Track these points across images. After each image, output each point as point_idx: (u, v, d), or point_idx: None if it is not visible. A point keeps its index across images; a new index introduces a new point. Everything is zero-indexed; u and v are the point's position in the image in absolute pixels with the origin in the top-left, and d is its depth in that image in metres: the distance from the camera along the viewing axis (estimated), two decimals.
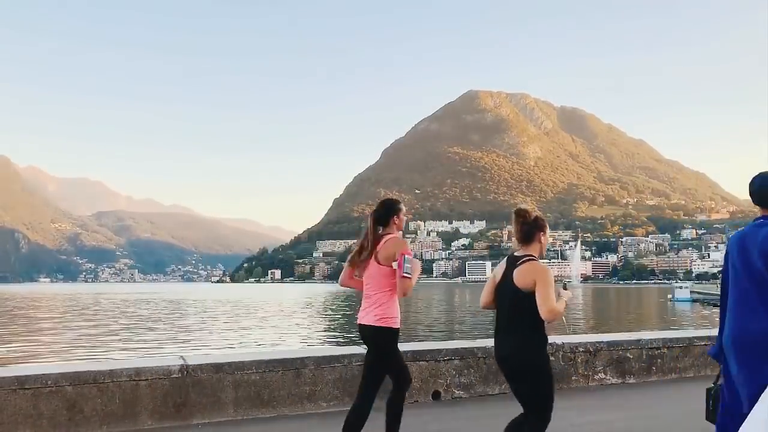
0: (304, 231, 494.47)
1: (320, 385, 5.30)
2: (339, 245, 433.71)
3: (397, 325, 3.87)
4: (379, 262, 3.81)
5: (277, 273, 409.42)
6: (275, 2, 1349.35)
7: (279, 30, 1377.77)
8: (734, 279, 3.05)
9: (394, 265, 3.74)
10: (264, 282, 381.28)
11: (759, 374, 2.81)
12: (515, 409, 5.46)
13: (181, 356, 5.27)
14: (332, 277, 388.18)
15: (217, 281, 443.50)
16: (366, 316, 3.87)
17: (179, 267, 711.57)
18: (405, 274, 3.68)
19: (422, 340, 20.17)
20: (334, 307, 60.35)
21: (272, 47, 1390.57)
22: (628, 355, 6.48)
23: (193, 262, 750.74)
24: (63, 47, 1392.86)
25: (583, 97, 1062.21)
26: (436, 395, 5.67)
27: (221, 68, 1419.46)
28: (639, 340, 6.61)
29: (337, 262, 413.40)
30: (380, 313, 3.80)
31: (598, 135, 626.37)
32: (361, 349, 5.62)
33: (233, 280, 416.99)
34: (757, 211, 3.14)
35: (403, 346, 5.90)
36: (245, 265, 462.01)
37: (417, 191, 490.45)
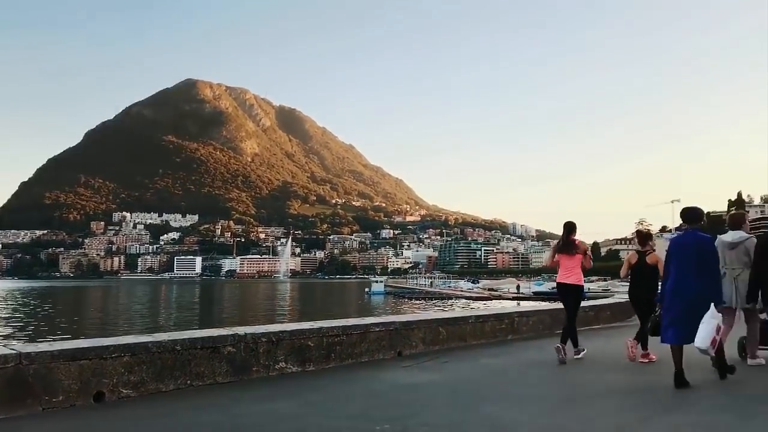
0: None
1: None
2: (24, 236, 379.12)
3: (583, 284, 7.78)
4: (576, 253, 7.51)
5: None
6: None
7: None
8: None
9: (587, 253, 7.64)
10: None
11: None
12: (221, 402, 5.22)
13: None
14: (13, 272, 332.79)
15: None
16: (568, 279, 7.55)
17: None
18: (591, 260, 7.68)
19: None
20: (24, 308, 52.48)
21: None
22: (310, 343, 6.69)
23: None
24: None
25: (301, 99, 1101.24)
26: (98, 396, 5.10)
27: None
28: (320, 329, 6.87)
29: (20, 255, 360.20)
30: (578, 279, 7.57)
31: (314, 137, 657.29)
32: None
33: None
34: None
35: (64, 345, 5.22)
36: None
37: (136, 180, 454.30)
